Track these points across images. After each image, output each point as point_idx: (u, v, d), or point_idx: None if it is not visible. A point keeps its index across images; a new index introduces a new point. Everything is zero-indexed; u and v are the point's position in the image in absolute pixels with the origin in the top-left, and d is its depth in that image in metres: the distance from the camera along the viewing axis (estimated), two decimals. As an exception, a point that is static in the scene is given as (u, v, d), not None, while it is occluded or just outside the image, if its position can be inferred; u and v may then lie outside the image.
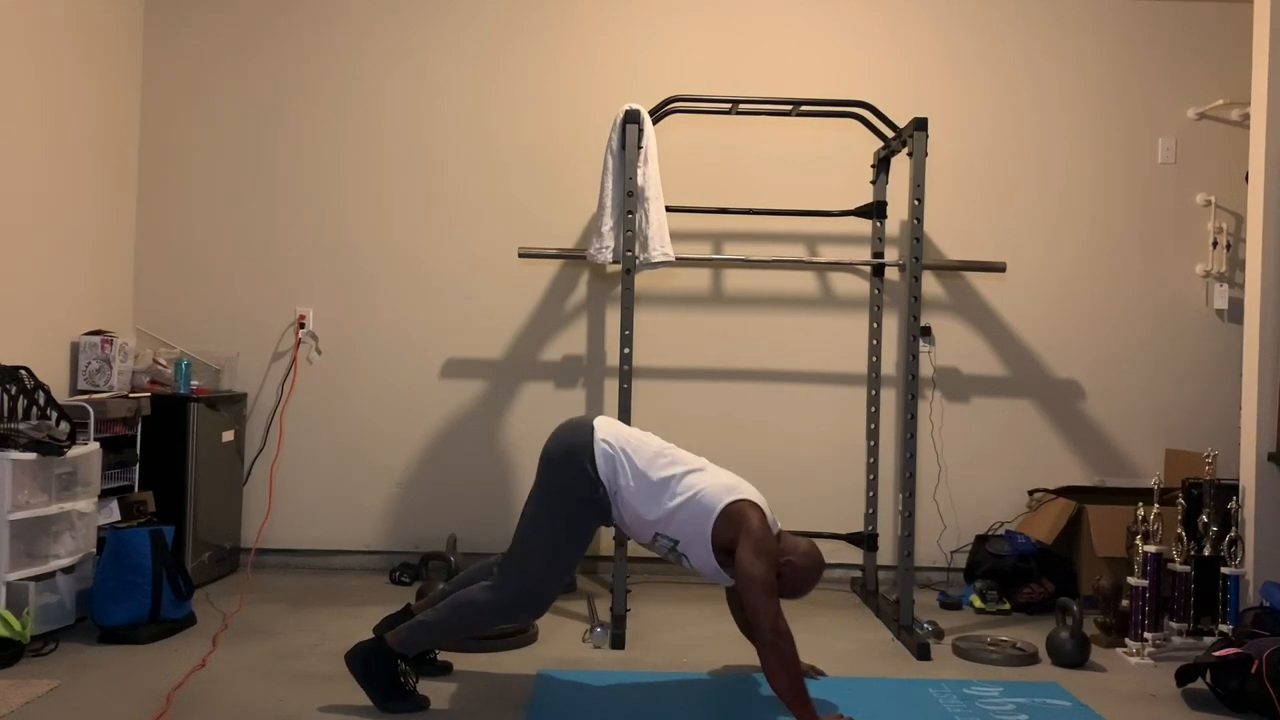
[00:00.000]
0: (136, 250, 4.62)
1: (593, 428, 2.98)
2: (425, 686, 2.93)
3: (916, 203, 3.69)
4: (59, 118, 4.04)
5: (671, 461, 2.96)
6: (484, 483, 4.62)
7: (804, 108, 4.10)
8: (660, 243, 3.77)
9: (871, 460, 4.35)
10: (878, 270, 4.39)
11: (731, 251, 4.61)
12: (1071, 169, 4.71)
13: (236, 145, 4.64)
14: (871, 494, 4.35)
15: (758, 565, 2.75)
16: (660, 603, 4.12)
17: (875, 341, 4.39)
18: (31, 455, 3.29)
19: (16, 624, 3.13)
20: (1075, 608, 3.42)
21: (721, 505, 2.86)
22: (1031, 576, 4.17)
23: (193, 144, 4.63)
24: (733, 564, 2.82)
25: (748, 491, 2.92)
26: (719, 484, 2.91)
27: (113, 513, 3.74)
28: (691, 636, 3.65)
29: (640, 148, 3.71)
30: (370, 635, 3.02)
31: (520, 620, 2.97)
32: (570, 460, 2.93)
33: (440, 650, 3.17)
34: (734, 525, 2.83)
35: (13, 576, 3.23)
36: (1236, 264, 4.66)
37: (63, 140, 4.07)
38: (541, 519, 2.94)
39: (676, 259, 3.81)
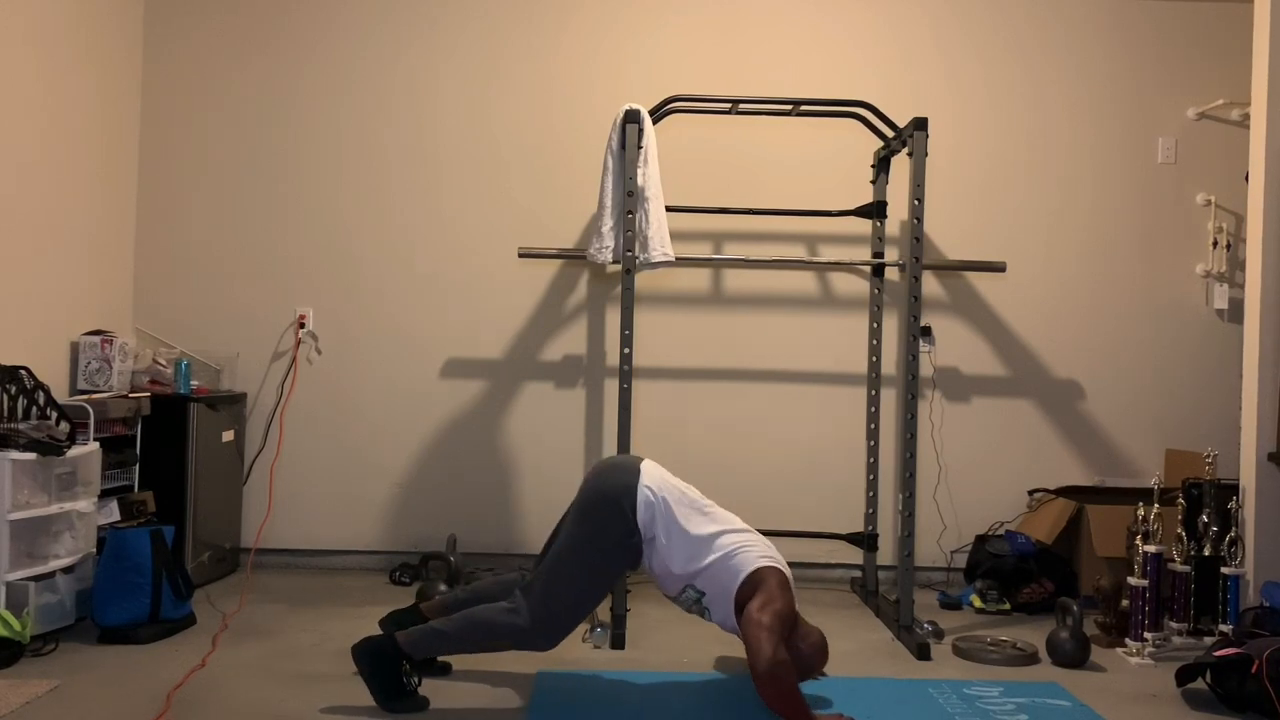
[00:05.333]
0: (136, 250, 4.62)
1: (639, 471, 2.98)
2: (425, 686, 2.92)
3: (916, 203, 3.69)
4: (59, 118, 4.04)
5: (711, 519, 2.98)
6: (484, 483, 4.62)
7: (804, 108, 4.10)
8: (660, 243, 3.77)
9: (871, 460, 4.35)
10: (878, 270, 4.39)
11: (731, 251, 4.61)
12: (1071, 169, 4.71)
13: (236, 145, 4.64)
14: (871, 494, 4.35)
15: (765, 614, 2.74)
16: (660, 603, 4.11)
17: (875, 341, 4.39)
18: (31, 455, 3.28)
19: (16, 624, 3.13)
20: (1075, 608, 3.42)
21: (753, 568, 2.87)
22: (1031, 576, 4.17)
23: (193, 144, 4.64)
24: None
25: (779, 561, 2.94)
26: (754, 548, 2.93)
27: (112, 513, 3.74)
28: (691, 636, 3.65)
29: (640, 148, 3.71)
30: (377, 632, 3.02)
31: (535, 648, 2.95)
32: (612, 500, 2.93)
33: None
34: (756, 587, 2.84)
35: (13, 576, 3.23)
36: (1236, 264, 4.66)
37: (62, 140, 4.07)
38: (573, 553, 2.93)
39: (676, 259, 3.81)
